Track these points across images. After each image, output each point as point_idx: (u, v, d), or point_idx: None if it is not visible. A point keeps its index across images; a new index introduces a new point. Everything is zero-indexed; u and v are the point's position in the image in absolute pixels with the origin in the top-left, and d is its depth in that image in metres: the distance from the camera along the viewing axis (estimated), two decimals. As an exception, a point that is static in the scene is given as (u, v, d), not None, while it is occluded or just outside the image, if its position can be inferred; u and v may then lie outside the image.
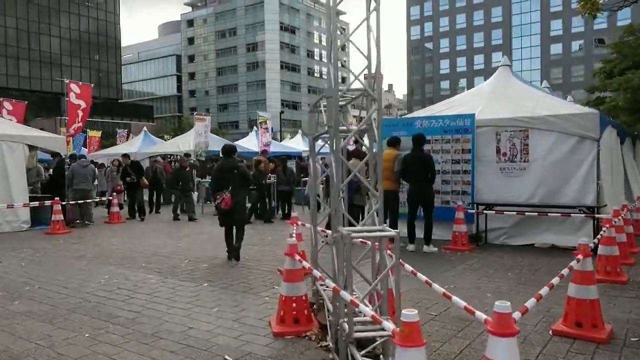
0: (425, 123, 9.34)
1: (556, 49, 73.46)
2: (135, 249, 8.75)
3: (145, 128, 24.62)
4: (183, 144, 20.41)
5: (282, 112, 59.00)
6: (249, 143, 24.82)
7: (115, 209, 12.65)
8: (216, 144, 21.07)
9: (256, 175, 11.65)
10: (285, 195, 12.76)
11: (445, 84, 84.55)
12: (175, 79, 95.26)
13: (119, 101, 76.01)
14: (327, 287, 4.19)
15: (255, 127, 26.57)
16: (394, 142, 8.66)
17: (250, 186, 8.78)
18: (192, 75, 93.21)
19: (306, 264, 4.36)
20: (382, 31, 4.34)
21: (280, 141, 32.75)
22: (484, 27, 79.71)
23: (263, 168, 12.58)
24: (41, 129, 18.58)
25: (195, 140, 18.79)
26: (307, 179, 14.66)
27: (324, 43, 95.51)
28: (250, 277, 6.45)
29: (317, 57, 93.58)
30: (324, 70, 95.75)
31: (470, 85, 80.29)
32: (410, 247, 8.22)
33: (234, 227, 7.77)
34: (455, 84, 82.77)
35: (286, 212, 12.79)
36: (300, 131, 30.23)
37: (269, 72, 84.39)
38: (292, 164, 17.10)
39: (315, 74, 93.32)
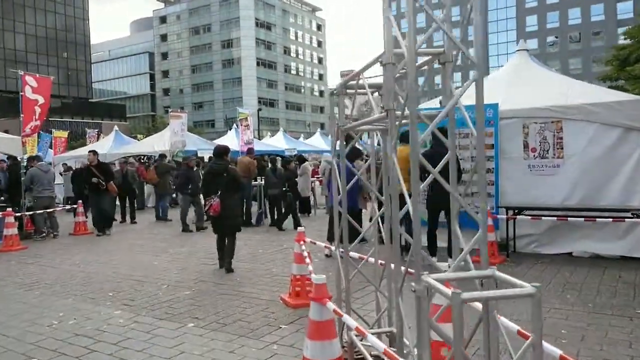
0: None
1: (532, 44, 73.41)
2: (103, 271, 7.28)
3: (116, 127, 22.86)
4: (158, 143, 18.82)
5: (259, 110, 57.51)
6: (229, 142, 23.29)
7: (81, 218, 11.07)
8: (193, 143, 19.61)
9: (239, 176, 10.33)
10: (275, 200, 11.39)
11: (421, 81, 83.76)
12: (148, 77, 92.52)
13: (90, 100, 73.27)
14: (367, 342, 2.86)
15: (235, 125, 25.12)
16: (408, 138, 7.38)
17: (241, 190, 7.69)
18: (165, 73, 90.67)
19: (332, 305, 3.05)
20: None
21: (260, 140, 31.28)
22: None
23: (250, 169, 11.20)
24: (5, 131, 16.76)
25: (171, 139, 17.25)
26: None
27: (300, 40, 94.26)
28: (247, 311, 5.09)
29: (293, 54, 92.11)
30: (301, 67, 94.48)
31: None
32: (432, 260, 6.96)
33: (225, 235, 7.18)
34: (432, 81, 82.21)
35: (276, 218, 11.43)
36: (281, 129, 28.79)
37: (245, 69, 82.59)
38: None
39: (292, 71, 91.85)
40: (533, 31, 73.14)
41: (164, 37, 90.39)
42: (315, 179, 13.97)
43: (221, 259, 7.18)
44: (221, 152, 7.46)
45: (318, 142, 28.61)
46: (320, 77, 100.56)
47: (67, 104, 64.69)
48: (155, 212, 12.91)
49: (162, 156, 13.92)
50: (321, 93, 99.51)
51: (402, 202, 2.53)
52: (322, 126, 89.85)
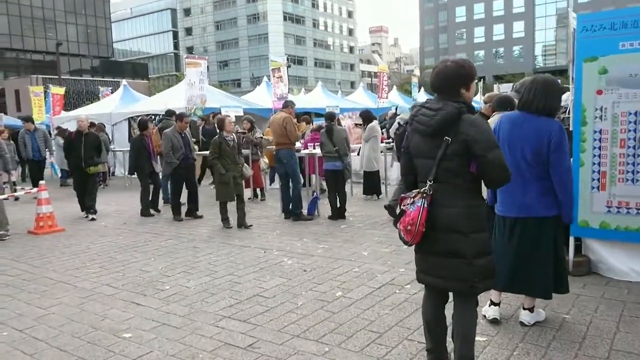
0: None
1: None
2: (55, 322, 3.75)
3: (125, 82, 19.23)
4: (173, 100, 15.14)
5: (289, 67, 53.18)
6: (259, 98, 19.53)
7: (44, 208, 7.43)
8: (215, 99, 15.88)
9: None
10: (335, 177, 7.64)
11: (461, 33, 77.72)
12: (171, 35, 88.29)
13: (111, 60, 69.88)
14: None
15: (265, 78, 21.24)
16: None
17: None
18: (188, 31, 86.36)
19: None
20: None
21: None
22: (504, -31, 72.16)
23: (287, 129, 7.42)
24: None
25: (187, 93, 13.54)
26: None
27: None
28: None
29: (321, 8, 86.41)
30: (330, 22, 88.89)
31: (489, 34, 73.96)
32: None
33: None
34: (471, 34, 76.01)
35: (338, 205, 7.69)
36: (320, 83, 24.67)
37: (272, 25, 77.69)
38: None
39: (321, 27, 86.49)
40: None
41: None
42: (384, 144, 10.08)
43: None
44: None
45: (362, 98, 24.50)
46: (350, 32, 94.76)
47: (86, 63, 61.59)
48: (163, 193, 9.29)
49: (171, 114, 10.20)
50: (351, 49, 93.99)
51: None
52: (352, 85, 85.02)
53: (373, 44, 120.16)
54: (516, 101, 5.81)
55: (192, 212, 8.24)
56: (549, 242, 3.43)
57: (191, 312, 4.07)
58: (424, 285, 2.87)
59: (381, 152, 9.84)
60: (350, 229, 6.97)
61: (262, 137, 9.85)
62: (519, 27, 71.30)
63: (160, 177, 9.10)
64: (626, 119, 4.33)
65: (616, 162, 4.40)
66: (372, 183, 9.40)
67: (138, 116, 15.51)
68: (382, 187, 9.69)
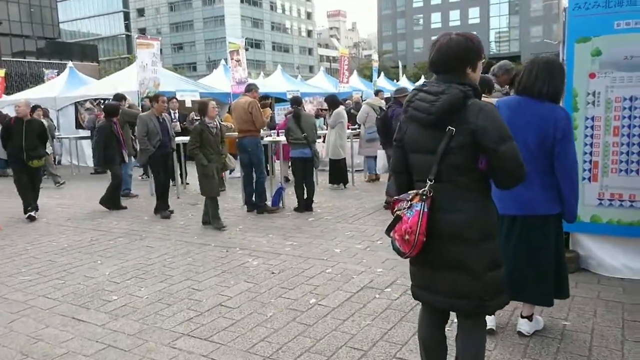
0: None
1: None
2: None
3: (70, 64, 17.93)
4: (123, 82, 14.15)
5: (247, 50, 51.76)
6: (216, 82, 18.66)
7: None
8: (170, 82, 14.97)
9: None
10: (304, 166, 7.13)
11: (418, 19, 78.08)
12: (122, 16, 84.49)
13: (57, 41, 66.15)
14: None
15: (223, 61, 20.40)
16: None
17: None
18: (140, 12, 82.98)
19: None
20: None
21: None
22: (462, -49, 72.66)
23: (253, 114, 6.85)
24: None
25: (139, 76, 12.63)
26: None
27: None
28: None
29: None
30: (287, 5, 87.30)
31: (445, 20, 74.48)
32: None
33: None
34: (428, 19, 76.52)
35: (305, 197, 7.21)
36: (280, 67, 23.90)
37: (228, 7, 75.56)
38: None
39: (278, 9, 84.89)
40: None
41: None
42: (350, 131, 9.62)
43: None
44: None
45: (322, 82, 23.95)
46: (309, 15, 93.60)
47: (29, 44, 58.17)
48: (123, 184, 8.50)
49: (120, 98, 9.35)
50: (309, 33, 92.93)
51: None
52: (310, 69, 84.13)
53: (331, 28, 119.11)
54: (496, 85, 5.49)
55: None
56: (551, 243, 3.06)
57: (143, 329, 3.51)
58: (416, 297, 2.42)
59: (347, 138, 9.39)
60: (319, 223, 6.51)
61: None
62: (474, 14, 72.26)
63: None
64: (620, 104, 4.01)
65: (609, 151, 4.09)
66: (338, 171, 8.95)
67: (85, 100, 14.53)
68: (349, 176, 9.26)
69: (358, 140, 9.57)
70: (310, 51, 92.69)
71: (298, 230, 6.14)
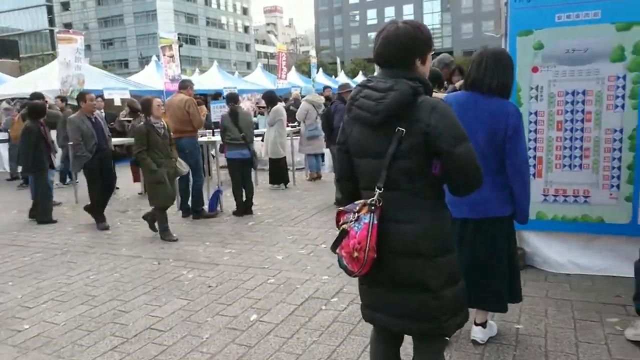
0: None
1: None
2: None
3: (-16, 60, 16.46)
4: (43, 81, 13.12)
5: (180, 46, 50.04)
6: (148, 79, 17.81)
7: None
8: (96, 79, 14.06)
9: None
10: (242, 168, 6.75)
11: (355, 15, 78.87)
12: (45, 9, 79.57)
13: (-29, 36, 61.46)
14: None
15: (155, 58, 19.53)
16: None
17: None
18: (65, 5, 78.55)
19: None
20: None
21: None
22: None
23: (190, 113, 6.41)
24: None
25: (61, 73, 11.73)
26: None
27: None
28: None
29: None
30: (222, 0, 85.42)
31: (381, 16, 75.56)
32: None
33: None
34: (364, 16, 77.49)
35: (244, 200, 6.84)
36: (216, 63, 23.14)
37: (160, 1, 72.95)
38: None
39: (213, 4, 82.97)
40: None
41: (60, -40, 77.53)
42: (289, 129, 9.32)
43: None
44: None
45: (260, 79, 23.45)
46: (245, 11, 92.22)
47: (-60, 40, 53.59)
48: (32, 194, 7.71)
49: (37, 97, 8.54)
50: (246, 29, 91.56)
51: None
52: (248, 65, 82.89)
53: (268, 24, 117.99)
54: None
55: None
56: (504, 246, 2.91)
57: (58, 363, 3.06)
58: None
59: (287, 136, 9.09)
60: (260, 227, 6.17)
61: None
62: (408, 10, 73.77)
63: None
64: (563, 98, 3.95)
65: (552, 146, 4.03)
66: (278, 171, 8.63)
67: (1, 100, 13.34)
68: (290, 175, 8.96)
69: (298, 137, 9.30)
70: (247, 47, 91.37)
71: (237, 236, 5.78)
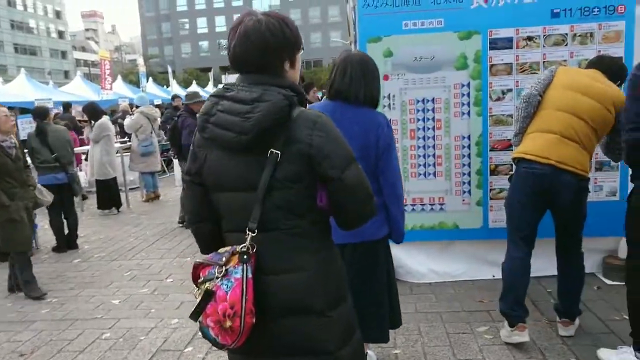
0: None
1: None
2: None
3: None
4: None
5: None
6: None
7: None
8: None
9: None
10: (60, 195, 5.60)
11: (184, 23, 76.54)
12: None
13: None
14: None
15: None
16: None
17: None
18: None
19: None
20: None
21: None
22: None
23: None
24: None
25: None
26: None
27: (25, -35, 75.06)
28: None
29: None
30: (29, 2, 76.03)
31: (211, 25, 74.36)
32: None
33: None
34: (194, 24, 75.74)
35: (67, 232, 5.70)
36: (23, 71, 20.01)
37: (-53, -1, 62.22)
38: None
39: (19, 6, 73.47)
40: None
41: None
42: (118, 145, 8.24)
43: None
44: None
45: (81, 89, 21.00)
46: (58, 14, 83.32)
47: None
48: None
49: None
50: (61, 34, 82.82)
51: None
52: (66, 74, 74.97)
53: (87, 30, 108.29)
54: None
55: None
56: (382, 271, 2.64)
57: None
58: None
59: (117, 153, 8.02)
60: (89, 264, 5.19)
61: None
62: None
63: None
64: (414, 107, 3.90)
65: (407, 155, 3.96)
66: (108, 194, 7.53)
67: None
68: (122, 197, 7.90)
69: (129, 154, 8.26)
70: (64, 54, 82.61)
71: (59, 280, 4.75)
